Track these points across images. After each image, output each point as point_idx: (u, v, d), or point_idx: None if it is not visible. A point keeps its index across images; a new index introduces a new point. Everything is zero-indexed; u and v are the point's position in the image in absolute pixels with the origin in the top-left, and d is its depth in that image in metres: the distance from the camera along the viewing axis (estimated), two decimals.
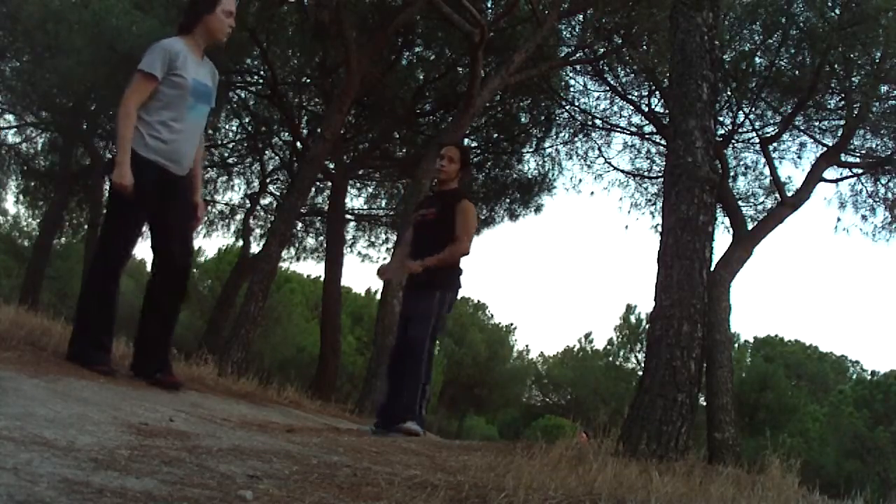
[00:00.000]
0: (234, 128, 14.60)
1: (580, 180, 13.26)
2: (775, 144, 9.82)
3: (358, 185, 14.77)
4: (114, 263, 3.60)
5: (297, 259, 16.03)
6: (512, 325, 32.82)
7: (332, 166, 12.35)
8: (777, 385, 22.99)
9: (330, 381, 11.48)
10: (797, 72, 9.19)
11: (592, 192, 18.99)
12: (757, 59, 9.53)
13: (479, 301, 32.40)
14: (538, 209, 13.50)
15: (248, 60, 12.83)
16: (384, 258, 14.71)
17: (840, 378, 28.65)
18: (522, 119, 12.80)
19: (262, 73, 12.88)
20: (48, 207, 15.43)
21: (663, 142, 10.45)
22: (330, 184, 13.05)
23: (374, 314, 10.79)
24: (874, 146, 9.66)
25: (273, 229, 10.44)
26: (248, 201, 15.18)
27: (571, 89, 12.04)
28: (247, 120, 14.29)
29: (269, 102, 13.14)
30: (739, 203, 9.75)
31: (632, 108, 11.12)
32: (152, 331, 3.71)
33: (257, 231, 15.27)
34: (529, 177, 13.26)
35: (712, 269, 4.43)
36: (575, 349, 33.07)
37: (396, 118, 12.45)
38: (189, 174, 3.70)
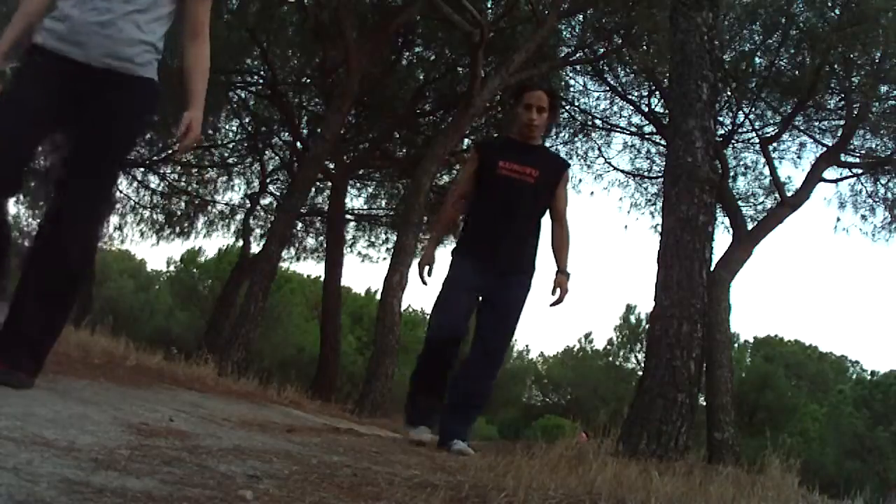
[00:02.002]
0: (234, 128, 14.61)
1: (580, 180, 13.23)
2: (775, 144, 9.84)
3: (358, 185, 14.78)
4: None
5: (297, 259, 16.05)
6: None
7: (332, 166, 12.35)
8: (777, 385, 23.01)
9: (330, 381, 11.48)
10: (797, 72, 9.20)
11: (592, 192, 18.99)
12: (757, 60, 9.55)
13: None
14: None
15: (248, 60, 12.83)
16: (384, 258, 14.69)
17: (840, 378, 28.61)
18: None
19: (262, 73, 12.89)
20: (48, 207, 15.38)
21: (663, 142, 10.45)
22: (330, 184, 13.05)
23: (374, 314, 10.79)
24: (874, 146, 9.69)
25: (273, 229, 10.44)
26: (248, 201, 15.19)
27: (571, 89, 12.04)
28: (247, 120, 14.29)
29: (269, 102, 13.15)
30: (739, 203, 9.76)
31: (632, 108, 11.15)
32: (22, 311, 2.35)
33: (257, 231, 15.26)
34: None
35: (712, 269, 4.43)
36: (575, 349, 33.07)
37: (396, 118, 12.45)
38: (145, 84, 2.40)
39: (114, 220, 15.85)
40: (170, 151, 14.24)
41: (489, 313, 3.44)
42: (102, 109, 2.33)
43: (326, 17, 10.00)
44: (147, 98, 2.45)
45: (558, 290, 3.43)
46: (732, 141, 10.21)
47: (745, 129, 10.10)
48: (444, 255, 3.69)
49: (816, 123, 9.90)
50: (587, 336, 32.86)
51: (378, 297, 10.14)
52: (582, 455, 2.91)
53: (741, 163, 10.88)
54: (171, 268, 25.50)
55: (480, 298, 3.47)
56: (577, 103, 12.00)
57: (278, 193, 14.96)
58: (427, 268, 3.55)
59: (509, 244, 3.40)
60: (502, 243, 3.39)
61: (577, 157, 12.50)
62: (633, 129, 11.52)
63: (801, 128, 9.95)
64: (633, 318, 29.92)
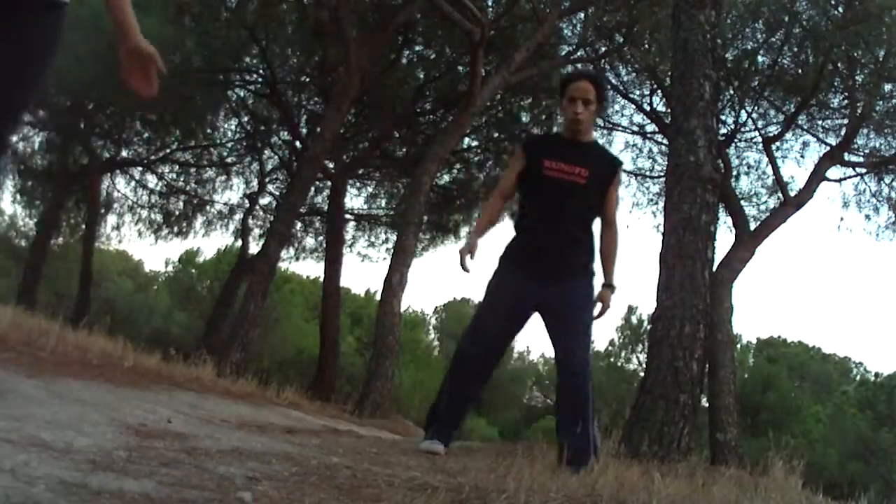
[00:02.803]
0: (232, 127, 14.61)
1: None
2: (778, 144, 9.81)
3: (358, 184, 14.77)
4: None
5: (297, 259, 16.04)
6: None
7: (331, 166, 12.34)
8: (780, 386, 22.94)
9: (329, 381, 11.47)
10: (800, 70, 9.17)
11: None
12: (760, 58, 9.52)
13: (479, 302, 32.22)
14: None
15: (248, 59, 12.83)
16: (384, 258, 14.67)
17: (843, 379, 28.60)
18: (523, 118, 12.77)
19: (261, 71, 12.88)
20: (45, 207, 15.41)
21: (665, 141, 10.43)
22: (329, 183, 13.05)
23: (374, 315, 10.77)
24: (878, 145, 9.65)
25: (272, 229, 10.43)
26: (247, 201, 15.18)
27: None
28: (246, 119, 14.29)
29: (269, 101, 13.13)
30: (742, 203, 9.73)
31: (633, 107, 11.12)
32: None
33: (256, 231, 15.27)
34: None
35: (714, 269, 4.41)
36: None
37: (396, 117, 12.43)
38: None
39: (112, 219, 15.90)
40: (168, 151, 14.24)
41: (555, 323, 3.18)
42: (14, 37, 1.76)
43: (326, 16, 9.99)
44: (60, 30, 1.88)
45: (599, 305, 3.17)
46: (735, 140, 10.18)
47: (747, 128, 10.08)
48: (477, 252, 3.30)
49: (820, 122, 9.88)
50: None
51: (378, 297, 10.12)
52: None
53: (744, 162, 10.84)
54: (170, 268, 25.43)
55: (538, 309, 3.19)
56: None
57: (277, 193, 14.97)
58: (469, 255, 3.18)
59: (559, 250, 3.15)
60: (552, 250, 3.15)
61: None
62: (635, 128, 11.49)
63: (805, 127, 9.92)
64: (634, 319, 29.84)
